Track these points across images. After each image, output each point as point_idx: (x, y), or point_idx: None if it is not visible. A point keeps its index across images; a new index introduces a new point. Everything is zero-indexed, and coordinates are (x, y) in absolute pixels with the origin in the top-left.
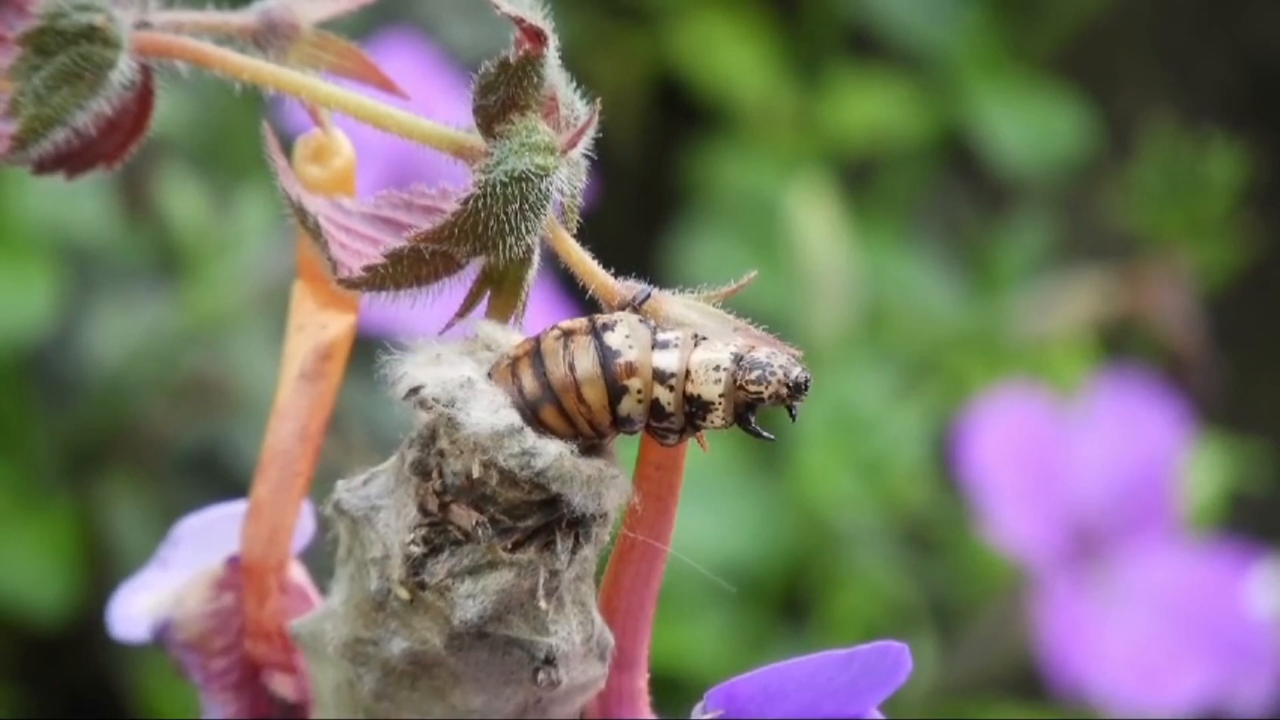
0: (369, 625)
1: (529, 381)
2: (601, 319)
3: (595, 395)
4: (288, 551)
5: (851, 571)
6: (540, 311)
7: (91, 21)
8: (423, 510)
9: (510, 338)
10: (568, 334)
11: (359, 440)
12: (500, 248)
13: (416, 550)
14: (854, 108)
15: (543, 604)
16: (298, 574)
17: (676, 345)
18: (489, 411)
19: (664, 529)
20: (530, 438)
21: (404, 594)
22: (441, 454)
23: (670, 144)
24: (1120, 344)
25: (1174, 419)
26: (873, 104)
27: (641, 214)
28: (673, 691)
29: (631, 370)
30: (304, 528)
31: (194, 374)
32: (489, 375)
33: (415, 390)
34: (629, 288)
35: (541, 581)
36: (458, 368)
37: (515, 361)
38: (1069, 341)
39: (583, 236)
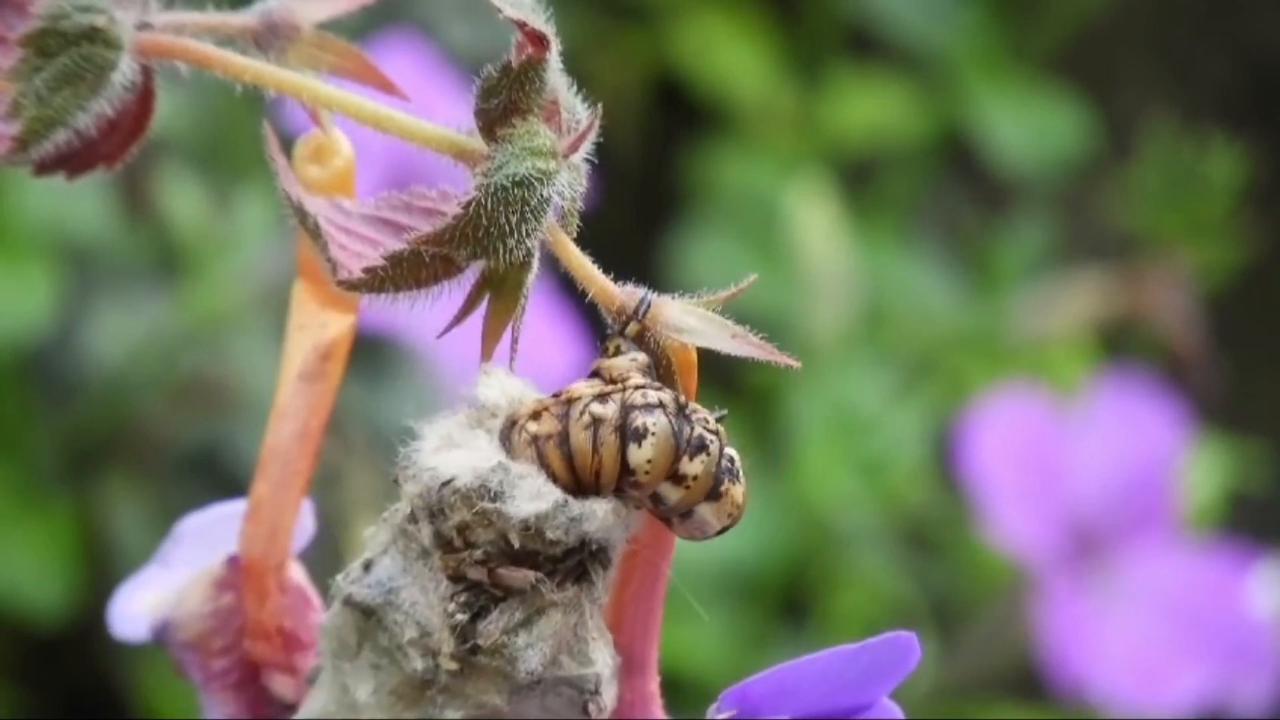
0: (411, 707)
1: (561, 472)
2: (635, 420)
3: (609, 491)
4: (287, 551)
5: (851, 571)
6: (539, 316)
7: (93, 23)
8: (456, 579)
9: (513, 393)
10: (597, 424)
11: (358, 440)
12: (500, 252)
13: (462, 618)
14: (854, 108)
15: (594, 634)
16: (297, 573)
17: (685, 486)
18: (531, 498)
19: (667, 534)
20: (575, 506)
21: (452, 665)
22: (465, 526)
23: (670, 144)
24: (1120, 344)
25: (1174, 419)
26: (873, 104)
27: (641, 214)
28: (674, 692)
29: (639, 488)
30: (304, 527)
31: (194, 374)
32: (506, 437)
33: (448, 483)
34: (629, 294)
35: (587, 612)
36: (477, 447)
37: (539, 440)
38: (1069, 341)
39: (583, 236)
